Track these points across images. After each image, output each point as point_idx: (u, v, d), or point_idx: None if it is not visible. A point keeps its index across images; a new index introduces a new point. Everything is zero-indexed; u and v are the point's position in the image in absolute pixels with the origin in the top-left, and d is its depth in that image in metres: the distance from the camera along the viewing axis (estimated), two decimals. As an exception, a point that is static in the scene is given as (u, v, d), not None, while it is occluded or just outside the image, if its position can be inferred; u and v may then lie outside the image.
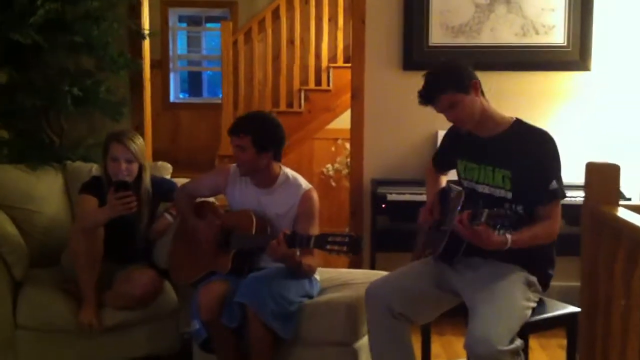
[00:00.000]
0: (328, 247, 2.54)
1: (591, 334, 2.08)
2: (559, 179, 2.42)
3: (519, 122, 2.52)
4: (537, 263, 2.49)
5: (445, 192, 2.72)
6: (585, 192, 2.16)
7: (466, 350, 2.29)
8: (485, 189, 2.50)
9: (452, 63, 2.54)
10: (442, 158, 2.79)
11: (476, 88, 2.44)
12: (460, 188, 2.61)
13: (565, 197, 2.45)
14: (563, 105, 4.00)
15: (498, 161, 2.46)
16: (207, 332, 2.76)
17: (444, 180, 2.83)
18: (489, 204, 2.41)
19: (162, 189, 3.22)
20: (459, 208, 2.45)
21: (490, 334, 2.20)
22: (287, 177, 2.93)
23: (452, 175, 2.80)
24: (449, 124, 3.86)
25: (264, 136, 2.81)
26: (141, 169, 3.10)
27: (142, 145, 3.10)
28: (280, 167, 2.93)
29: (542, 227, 2.38)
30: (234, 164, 3.02)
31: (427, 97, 2.46)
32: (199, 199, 3.09)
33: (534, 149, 2.42)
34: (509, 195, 2.43)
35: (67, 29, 3.53)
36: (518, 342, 2.26)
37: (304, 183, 2.93)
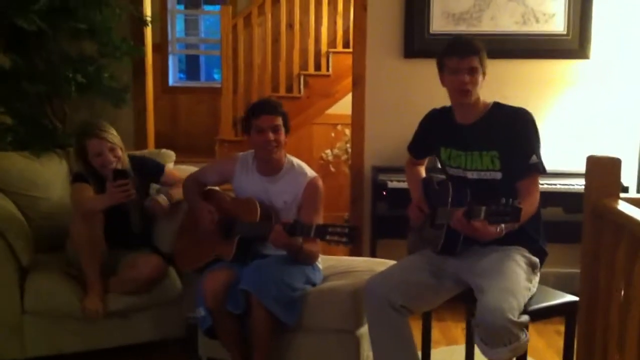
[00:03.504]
0: (328, 237, 2.60)
1: (590, 326, 2.12)
2: (538, 154, 2.50)
3: (497, 105, 2.61)
4: (529, 236, 2.55)
5: (427, 183, 2.78)
6: (586, 186, 2.19)
7: (476, 325, 2.31)
8: (474, 175, 2.57)
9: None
10: (421, 144, 2.86)
11: (484, 77, 2.56)
12: (444, 176, 2.68)
13: (545, 172, 2.53)
14: (562, 93, 4.03)
15: (484, 145, 2.54)
16: (212, 319, 2.81)
17: (423, 171, 2.91)
18: (479, 189, 2.49)
19: (146, 167, 3.24)
20: (450, 200, 2.51)
21: (502, 305, 2.25)
22: (292, 165, 2.96)
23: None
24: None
25: (288, 120, 2.91)
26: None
27: (114, 132, 3.11)
28: (285, 155, 2.97)
29: (525, 205, 2.40)
30: (242, 153, 3.06)
31: (467, 45, 2.55)
32: (206, 188, 3.12)
33: (515, 126, 2.51)
34: (499, 175, 2.52)
35: (70, 15, 3.54)
36: (525, 317, 2.31)
37: (309, 171, 2.97)
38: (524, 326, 2.30)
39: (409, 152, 2.93)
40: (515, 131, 2.51)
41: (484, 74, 2.55)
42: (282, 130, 2.87)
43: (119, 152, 3.08)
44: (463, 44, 2.57)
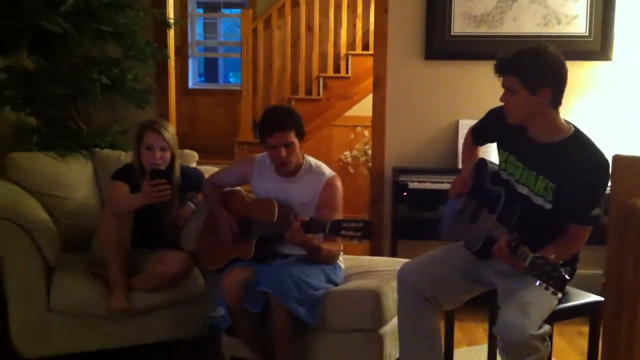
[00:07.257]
0: (343, 232, 2.60)
1: (616, 327, 2.11)
2: (602, 206, 2.35)
3: (576, 135, 2.39)
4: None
5: (480, 166, 2.69)
6: (612, 186, 2.18)
7: (497, 334, 2.31)
8: (525, 191, 2.45)
9: (546, 56, 2.32)
10: (482, 134, 2.74)
11: (544, 96, 2.31)
12: (501, 187, 2.53)
13: (602, 224, 2.38)
14: (584, 95, 4.01)
15: (545, 170, 2.39)
16: (231, 318, 2.82)
17: (479, 152, 2.79)
18: (527, 211, 2.40)
19: (191, 178, 3.28)
20: (498, 209, 2.44)
21: (522, 320, 2.24)
22: (310, 165, 2.97)
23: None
24: (470, 114, 3.94)
25: (301, 126, 2.88)
26: (173, 157, 3.15)
27: (174, 133, 3.16)
28: (303, 156, 2.98)
29: (570, 247, 2.39)
30: (259, 154, 3.07)
31: (497, 65, 2.37)
32: (226, 189, 3.14)
33: (585, 170, 2.31)
34: (548, 206, 2.38)
35: (94, 18, 3.57)
36: (546, 328, 2.31)
37: (327, 171, 2.97)
38: (545, 337, 2.29)
39: (471, 133, 2.80)
40: (583, 176, 2.30)
41: (540, 96, 2.31)
42: (295, 143, 2.84)
43: (168, 155, 3.11)
44: (502, 58, 2.36)
